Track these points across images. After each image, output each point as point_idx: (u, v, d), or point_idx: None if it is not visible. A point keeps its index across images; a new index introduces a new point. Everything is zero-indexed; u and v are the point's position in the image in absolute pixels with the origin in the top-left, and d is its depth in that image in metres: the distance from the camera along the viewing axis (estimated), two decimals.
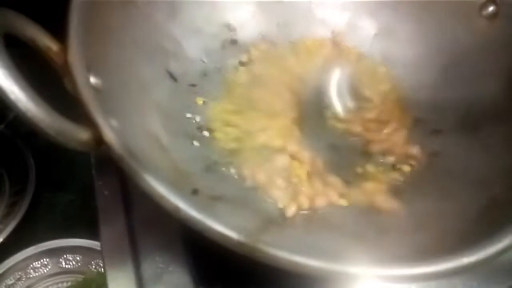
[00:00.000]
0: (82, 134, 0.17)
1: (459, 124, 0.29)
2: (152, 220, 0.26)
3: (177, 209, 0.16)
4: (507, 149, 0.25)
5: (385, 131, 0.30)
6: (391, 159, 0.28)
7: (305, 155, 0.28)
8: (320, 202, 0.26)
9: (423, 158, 0.28)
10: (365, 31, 0.34)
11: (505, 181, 0.24)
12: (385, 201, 0.25)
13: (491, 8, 0.30)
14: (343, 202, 0.27)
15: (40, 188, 0.38)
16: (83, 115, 0.17)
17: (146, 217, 0.27)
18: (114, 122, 0.18)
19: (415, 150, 0.29)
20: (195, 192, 0.23)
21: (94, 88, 0.19)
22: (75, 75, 0.18)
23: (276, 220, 0.24)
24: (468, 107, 0.29)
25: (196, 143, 0.27)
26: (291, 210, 0.25)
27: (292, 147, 0.28)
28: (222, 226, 0.18)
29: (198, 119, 0.28)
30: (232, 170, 0.26)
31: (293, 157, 0.28)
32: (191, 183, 0.23)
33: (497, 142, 0.26)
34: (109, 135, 0.17)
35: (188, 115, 0.28)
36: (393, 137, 0.29)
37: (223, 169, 0.26)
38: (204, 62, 0.31)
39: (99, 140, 0.17)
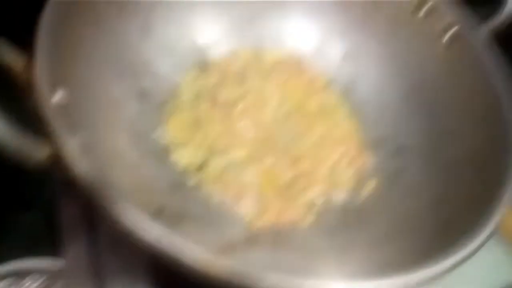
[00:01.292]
0: (41, 151, 0.17)
1: (421, 145, 0.30)
2: (116, 240, 0.26)
3: (134, 231, 0.16)
4: (462, 171, 0.26)
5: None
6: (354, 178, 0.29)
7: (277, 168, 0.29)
8: (286, 218, 0.26)
9: (385, 177, 0.29)
10: (333, 55, 0.36)
11: (459, 201, 0.25)
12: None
13: (450, 34, 0.31)
14: (308, 219, 0.27)
15: (2, 207, 0.36)
16: (44, 133, 0.17)
17: (111, 237, 0.26)
18: (75, 139, 0.18)
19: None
20: (159, 211, 0.23)
21: (58, 105, 0.19)
22: (39, 91, 0.18)
23: (241, 239, 0.24)
24: (429, 129, 0.30)
25: (163, 161, 0.27)
26: (257, 227, 0.25)
27: (265, 159, 0.29)
28: (180, 251, 0.18)
29: (166, 137, 0.28)
30: (199, 188, 0.26)
31: (263, 171, 0.28)
32: (156, 202, 0.23)
33: (454, 164, 0.27)
34: (68, 152, 0.17)
35: (157, 133, 0.28)
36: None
37: (190, 187, 0.26)
38: (176, 80, 0.32)
39: (57, 158, 0.17)
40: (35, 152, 0.17)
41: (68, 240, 0.27)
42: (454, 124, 0.29)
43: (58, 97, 0.19)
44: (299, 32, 0.35)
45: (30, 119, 0.18)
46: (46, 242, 0.30)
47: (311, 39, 0.35)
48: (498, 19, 0.30)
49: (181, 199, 0.25)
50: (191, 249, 0.18)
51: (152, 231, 0.17)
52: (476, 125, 0.28)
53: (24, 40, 0.21)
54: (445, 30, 0.32)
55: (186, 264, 0.17)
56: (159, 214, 0.23)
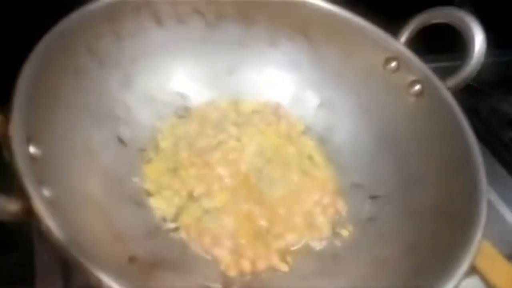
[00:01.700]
0: (12, 205, 0.17)
1: (392, 193, 0.31)
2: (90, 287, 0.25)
3: (99, 281, 0.16)
4: (432, 219, 0.27)
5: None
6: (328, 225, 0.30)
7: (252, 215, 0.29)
8: (262, 265, 0.26)
9: (359, 223, 0.30)
10: (308, 105, 0.37)
11: (430, 248, 0.25)
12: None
13: (417, 87, 0.33)
14: (283, 267, 0.27)
15: None
16: (16, 187, 0.18)
17: (84, 284, 0.26)
18: (48, 192, 0.19)
19: None
20: (132, 259, 0.23)
21: (32, 158, 0.19)
22: (13, 146, 0.18)
23: (217, 285, 0.24)
24: (400, 177, 0.31)
25: (139, 207, 0.27)
26: (232, 273, 0.25)
27: (241, 207, 0.29)
28: None
29: (143, 184, 0.29)
30: (175, 234, 0.26)
31: (239, 218, 0.29)
32: (130, 249, 0.23)
33: (423, 212, 0.28)
34: (38, 206, 0.17)
35: (135, 179, 0.29)
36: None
37: (166, 233, 0.26)
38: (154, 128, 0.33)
39: (29, 212, 0.17)
40: (6, 205, 0.17)
41: (42, 284, 0.27)
42: (423, 172, 0.31)
43: (31, 150, 0.20)
44: (276, 83, 0.37)
45: (4, 173, 0.18)
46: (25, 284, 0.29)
47: (287, 90, 0.37)
48: (461, 75, 0.32)
49: (156, 245, 0.25)
50: None
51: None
52: (445, 173, 0.29)
53: (3, 94, 0.22)
54: (413, 83, 0.33)
55: None
56: (133, 261, 0.23)
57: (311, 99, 0.37)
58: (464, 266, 0.22)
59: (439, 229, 0.26)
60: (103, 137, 0.29)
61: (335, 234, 0.30)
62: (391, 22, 0.34)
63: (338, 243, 0.29)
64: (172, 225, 0.27)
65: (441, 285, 0.21)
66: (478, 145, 0.28)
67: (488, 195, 0.34)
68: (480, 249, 0.33)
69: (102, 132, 0.29)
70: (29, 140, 0.20)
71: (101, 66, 0.30)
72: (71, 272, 0.28)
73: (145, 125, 0.32)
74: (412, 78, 0.33)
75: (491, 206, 0.37)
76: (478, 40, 0.31)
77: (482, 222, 0.23)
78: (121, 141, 0.30)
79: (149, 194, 0.28)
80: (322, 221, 0.30)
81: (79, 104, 0.28)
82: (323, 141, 0.36)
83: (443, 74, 0.33)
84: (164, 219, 0.27)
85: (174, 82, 0.35)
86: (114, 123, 0.30)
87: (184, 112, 0.34)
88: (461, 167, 0.28)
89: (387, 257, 0.27)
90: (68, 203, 0.21)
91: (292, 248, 0.29)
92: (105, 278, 0.16)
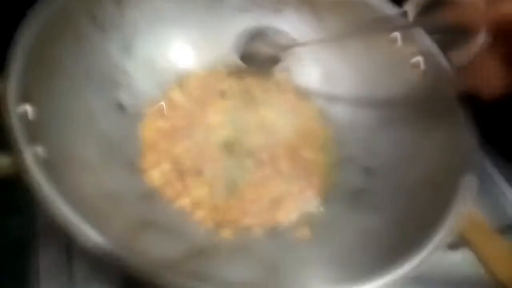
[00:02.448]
0: (4, 160, 0.18)
1: (386, 165, 0.31)
2: None
3: (85, 236, 0.17)
4: (421, 190, 0.27)
5: None
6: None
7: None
8: (245, 223, 0.27)
9: (352, 194, 0.31)
10: (311, 74, 0.37)
11: (417, 218, 0.26)
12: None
13: (419, 61, 0.33)
14: (260, 230, 0.28)
15: None
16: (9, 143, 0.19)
17: None
18: (42, 150, 0.20)
19: None
20: (125, 220, 0.24)
21: (27, 118, 0.20)
22: (7, 104, 0.19)
23: (201, 247, 0.25)
24: (394, 150, 0.31)
25: (134, 172, 0.28)
26: (216, 234, 0.26)
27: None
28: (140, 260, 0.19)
29: (141, 148, 0.30)
30: (165, 198, 0.27)
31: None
32: (121, 210, 0.24)
33: (414, 183, 0.28)
34: (28, 160, 0.18)
35: (131, 145, 0.30)
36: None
37: (156, 197, 0.27)
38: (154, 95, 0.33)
39: (19, 166, 0.18)
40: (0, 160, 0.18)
41: (43, 245, 0.28)
42: (417, 148, 0.30)
43: (25, 109, 0.21)
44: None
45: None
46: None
47: (289, 60, 0.37)
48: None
49: (148, 208, 0.27)
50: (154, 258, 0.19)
51: (107, 245, 0.18)
52: (436, 149, 0.29)
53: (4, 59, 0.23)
54: (415, 56, 0.33)
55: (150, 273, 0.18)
56: (127, 222, 0.24)
57: (313, 70, 0.37)
58: (440, 234, 0.22)
59: (426, 202, 0.26)
60: (102, 102, 0.29)
61: (326, 203, 0.30)
62: None
63: (328, 213, 0.30)
64: (163, 192, 0.28)
65: (418, 252, 0.22)
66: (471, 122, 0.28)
67: (479, 169, 0.35)
68: (471, 222, 0.34)
69: (102, 97, 0.29)
70: (25, 100, 0.21)
71: (103, 32, 0.30)
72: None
73: (144, 92, 0.33)
74: (415, 51, 0.33)
75: (488, 180, 0.37)
76: None
77: (463, 194, 0.24)
78: (120, 106, 0.31)
79: (142, 160, 0.29)
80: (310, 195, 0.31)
81: (79, 69, 0.28)
82: (323, 112, 0.36)
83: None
84: (156, 186, 0.28)
85: (176, 50, 0.35)
86: (114, 89, 0.31)
87: (183, 81, 0.34)
88: (453, 143, 0.28)
89: (375, 228, 0.27)
90: (62, 163, 0.22)
91: (282, 216, 0.29)
92: (89, 231, 0.17)
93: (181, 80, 0.34)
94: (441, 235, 0.22)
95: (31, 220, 0.29)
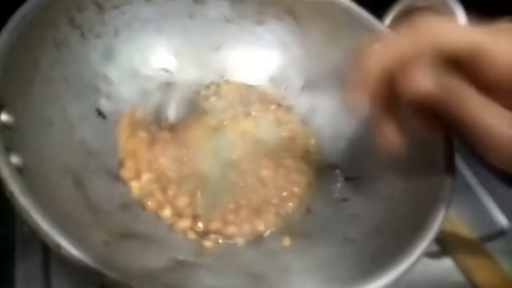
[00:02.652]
0: None
1: (367, 174, 0.31)
2: None
3: (58, 246, 0.17)
4: (402, 199, 0.28)
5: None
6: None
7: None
8: (228, 231, 0.27)
9: (333, 203, 0.31)
10: (294, 84, 0.37)
11: (397, 227, 0.26)
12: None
13: None
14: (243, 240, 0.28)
15: None
16: None
17: None
18: (18, 159, 0.19)
19: None
20: (106, 229, 0.24)
21: (3, 125, 0.20)
22: None
23: (183, 257, 0.25)
24: (375, 160, 0.32)
25: (115, 180, 0.28)
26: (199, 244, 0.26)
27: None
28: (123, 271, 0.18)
29: (121, 156, 0.29)
30: (147, 208, 0.27)
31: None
32: (102, 220, 0.24)
33: (395, 192, 0.29)
34: (4, 170, 0.17)
35: (113, 152, 0.29)
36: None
37: (138, 207, 0.27)
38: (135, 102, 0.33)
39: None
40: None
41: (21, 254, 0.28)
42: (398, 157, 0.31)
43: (3, 117, 0.20)
44: (261, 62, 0.37)
45: None
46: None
47: (272, 70, 0.37)
48: None
49: (129, 218, 0.26)
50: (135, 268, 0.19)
51: (89, 260, 0.18)
52: (418, 159, 0.29)
53: None
54: None
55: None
56: (106, 232, 0.24)
57: (296, 80, 0.37)
58: (421, 248, 0.22)
59: (406, 211, 0.26)
60: (82, 109, 0.29)
61: (308, 212, 0.30)
62: (376, 4, 0.34)
63: (310, 222, 0.30)
64: (142, 199, 0.28)
65: (400, 263, 0.22)
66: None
67: (461, 179, 0.36)
68: (453, 231, 0.35)
69: (81, 104, 0.29)
70: (1, 107, 0.20)
71: (83, 38, 0.30)
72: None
73: (126, 99, 0.32)
74: None
75: (469, 190, 0.38)
76: (460, 22, 0.31)
77: (443, 203, 0.24)
78: (100, 113, 0.30)
79: (123, 168, 0.29)
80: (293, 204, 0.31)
81: (58, 76, 0.28)
82: (305, 122, 0.36)
83: None
84: (136, 195, 0.28)
85: (158, 57, 0.35)
86: (94, 96, 0.30)
87: (165, 89, 0.34)
88: (434, 153, 0.28)
89: (356, 237, 0.27)
90: (39, 172, 0.21)
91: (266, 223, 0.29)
92: (64, 243, 0.17)
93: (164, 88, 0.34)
94: (422, 244, 0.22)
95: (11, 230, 0.29)
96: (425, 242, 0.22)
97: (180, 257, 0.25)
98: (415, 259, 0.22)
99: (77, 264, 0.17)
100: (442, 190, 0.25)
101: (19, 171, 0.19)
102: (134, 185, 0.28)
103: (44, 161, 0.23)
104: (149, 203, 0.27)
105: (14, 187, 0.17)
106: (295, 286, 0.24)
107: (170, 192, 0.28)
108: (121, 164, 0.29)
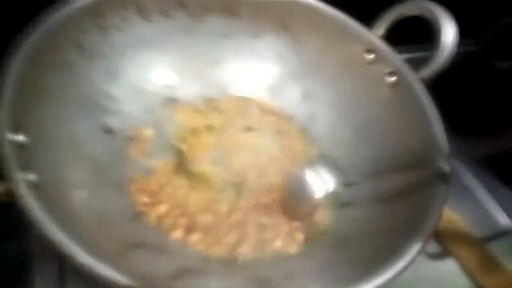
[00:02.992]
0: None
1: (367, 179, 0.32)
2: None
3: (72, 256, 0.18)
4: (400, 202, 0.29)
5: None
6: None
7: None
8: (234, 242, 0.28)
9: (335, 209, 0.32)
10: (292, 95, 0.39)
11: (395, 229, 0.27)
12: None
13: (392, 79, 0.35)
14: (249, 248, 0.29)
15: None
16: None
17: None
18: (33, 176, 0.20)
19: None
20: (116, 240, 0.25)
21: (19, 145, 0.21)
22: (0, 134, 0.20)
23: (192, 267, 0.26)
24: (374, 164, 0.33)
25: (124, 193, 0.29)
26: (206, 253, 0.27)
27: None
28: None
29: (128, 170, 0.30)
30: (155, 220, 0.28)
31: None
32: (111, 231, 0.25)
33: (393, 195, 0.30)
34: (21, 187, 0.19)
35: (121, 167, 0.30)
36: None
37: (146, 218, 0.28)
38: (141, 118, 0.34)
39: (11, 193, 0.19)
40: None
41: (37, 269, 0.28)
42: (395, 161, 0.32)
43: (21, 138, 0.21)
44: (260, 75, 0.39)
45: None
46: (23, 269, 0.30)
47: (270, 82, 0.39)
48: (432, 66, 0.33)
49: (138, 229, 0.27)
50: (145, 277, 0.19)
51: (102, 268, 0.19)
52: (414, 162, 0.31)
53: None
54: (389, 75, 0.35)
55: None
56: (117, 242, 0.25)
57: (294, 91, 0.39)
58: (418, 246, 0.23)
59: (404, 213, 0.27)
60: (89, 127, 0.30)
61: (310, 220, 0.31)
62: (366, 15, 0.36)
63: (312, 228, 0.31)
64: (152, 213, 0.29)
65: (400, 260, 0.23)
66: (444, 135, 0.30)
67: (460, 181, 0.36)
68: (454, 232, 0.35)
69: (89, 122, 0.30)
70: (16, 128, 0.21)
71: (88, 59, 0.31)
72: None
73: (132, 115, 0.34)
74: (388, 69, 0.35)
75: (469, 191, 0.39)
76: (449, 31, 0.32)
77: (439, 205, 0.25)
78: (107, 130, 0.31)
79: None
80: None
81: (66, 96, 0.29)
82: (304, 131, 0.37)
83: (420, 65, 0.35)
84: (145, 206, 0.29)
85: (160, 74, 0.36)
86: (101, 114, 0.31)
87: (169, 105, 0.36)
88: (428, 156, 0.29)
89: (357, 240, 0.28)
90: (52, 187, 0.23)
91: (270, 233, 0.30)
92: (77, 252, 0.18)
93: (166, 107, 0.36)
94: (419, 243, 0.23)
95: (27, 244, 0.30)
96: (420, 242, 0.23)
97: (187, 266, 0.26)
98: (411, 258, 0.23)
99: (90, 272, 0.18)
100: (437, 191, 0.26)
101: (34, 187, 0.20)
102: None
103: (56, 177, 0.24)
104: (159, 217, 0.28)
105: (32, 204, 0.19)
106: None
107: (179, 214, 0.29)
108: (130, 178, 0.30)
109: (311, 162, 0.35)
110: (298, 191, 0.29)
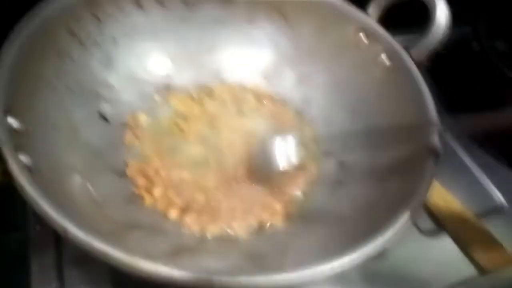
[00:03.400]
0: None
1: (360, 157, 0.33)
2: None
3: (65, 230, 0.18)
4: (392, 177, 0.29)
5: None
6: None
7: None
8: (230, 222, 0.28)
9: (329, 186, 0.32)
10: (287, 79, 0.39)
11: (387, 202, 0.27)
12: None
13: (384, 58, 0.35)
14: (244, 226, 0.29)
15: None
16: None
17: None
18: (27, 159, 0.21)
19: None
20: (113, 222, 0.25)
21: (14, 130, 0.22)
22: None
23: (187, 245, 0.26)
24: (367, 143, 0.33)
25: (120, 177, 0.29)
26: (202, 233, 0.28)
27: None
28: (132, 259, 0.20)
29: (124, 155, 0.31)
30: (151, 202, 0.29)
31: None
32: (107, 213, 0.26)
33: (386, 171, 0.30)
34: (15, 168, 0.19)
35: (117, 152, 0.31)
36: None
37: (142, 201, 0.29)
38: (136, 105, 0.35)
39: (6, 173, 0.19)
40: None
41: (34, 257, 0.29)
42: (388, 139, 0.32)
43: (12, 121, 0.22)
44: (253, 61, 0.39)
45: None
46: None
47: (265, 68, 0.39)
48: (424, 45, 0.33)
49: (134, 211, 0.28)
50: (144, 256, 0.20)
51: (101, 246, 0.19)
52: (406, 139, 0.31)
53: None
54: (381, 54, 0.35)
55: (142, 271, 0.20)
56: (112, 223, 0.26)
57: (289, 75, 0.39)
58: (405, 217, 0.24)
59: (396, 187, 0.28)
60: (85, 114, 0.31)
61: (306, 196, 0.32)
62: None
63: (306, 205, 0.31)
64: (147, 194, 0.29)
65: (388, 231, 0.23)
66: (435, 111, 0.30)
67: (454, 159, 0.36)
68: (449, 208, 0.36)
69: (84, 109, 0.31)
70: (8, 112, 0.22)
71: (82, 47, 0.32)
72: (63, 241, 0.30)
73: (127, 102, 0.34)
74: (382, 51, 0.35)
75: (463, 168, 0.39)
76: (440, 9, 0.32)
77: (428, 177, 0.25)
78: (103, 117, 0.32)
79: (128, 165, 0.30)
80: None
81: (61, 83, 0.29)
82: (300, 113, 0.38)
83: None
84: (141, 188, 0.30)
85: (155, 62, 0.36)
86: (96, 101, 0.32)
87: (164, 92, 0.36)
88: (420, 132, 0.30)
89: (350, 216, 0.29)
90: (48, 171, 0.23)
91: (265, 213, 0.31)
92: (71, 227, 0.18)
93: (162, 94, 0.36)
94: (406, 215, 0.24)
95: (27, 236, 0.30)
96: (408, 212, 0.24)
97: (183, 245, 0.27)
98: (399, 227, 0.23)
99: (84, 247, 0.19)
100: (427, 164, 0.27)
101: (29, 169, 0.20)
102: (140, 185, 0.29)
103: (52, 162, 0.25)
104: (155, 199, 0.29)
105: (23, 180, 0.19)
106: (293, 265, 0.25)
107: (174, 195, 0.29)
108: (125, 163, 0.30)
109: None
110: (262, 158, 0.30)
